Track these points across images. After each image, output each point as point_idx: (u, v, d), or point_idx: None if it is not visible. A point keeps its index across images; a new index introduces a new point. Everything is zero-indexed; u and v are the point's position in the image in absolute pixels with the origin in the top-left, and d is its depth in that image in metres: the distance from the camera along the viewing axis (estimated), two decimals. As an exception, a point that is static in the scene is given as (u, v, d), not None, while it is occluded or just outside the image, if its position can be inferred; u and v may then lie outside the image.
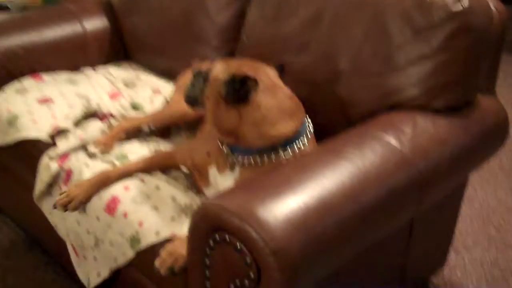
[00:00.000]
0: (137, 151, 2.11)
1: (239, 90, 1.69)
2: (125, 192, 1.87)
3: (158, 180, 1.92)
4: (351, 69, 2.03)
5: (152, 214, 1.79)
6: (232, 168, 1.82)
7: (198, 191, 1.94)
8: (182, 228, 1.75)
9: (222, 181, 1.85)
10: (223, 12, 2.52)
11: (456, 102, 1.90)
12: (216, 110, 1.75)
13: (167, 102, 2.43)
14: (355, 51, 2.02)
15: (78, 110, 2.22)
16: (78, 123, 2.22)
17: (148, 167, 1.97)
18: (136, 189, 1.87)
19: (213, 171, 1.87)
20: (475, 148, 1.92)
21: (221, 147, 1.83)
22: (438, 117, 1.87)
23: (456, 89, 1.88)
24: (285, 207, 1.45)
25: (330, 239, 1.48)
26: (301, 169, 1.59)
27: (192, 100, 1.87)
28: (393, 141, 1.73)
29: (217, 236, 1.46)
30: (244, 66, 1.78)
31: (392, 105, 1.93)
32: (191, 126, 2.27)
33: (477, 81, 1.94)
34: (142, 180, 1.91)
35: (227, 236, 1.44)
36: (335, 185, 1.55)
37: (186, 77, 2.37)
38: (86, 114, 2.24)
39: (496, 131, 2.01)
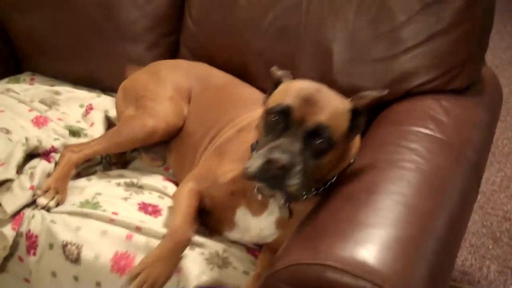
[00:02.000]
0: (109, 192, 1.67)
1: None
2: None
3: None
4: (348, 55, 1.77)
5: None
6: (270, 208, 1.50)
7: (212, 232, 1.59)
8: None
9: (256, 223, 1.52)
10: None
11: (473, 79, 1.74)
12: (337, 151, 1.38)
13: (110, 119, 1.98)
14: (349, 33, 1.75)
15: (16, 151, 1.67)
16: (18, 168, 1.68)
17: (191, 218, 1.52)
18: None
19: (242, 213, 1.53)
20: (494, 122, 1.78)
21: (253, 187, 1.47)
22: (460, 98, 1.70)
23: (473, 65, 1.72)
24: (384, 247, 1.18)
25: (434, 258, 1.24)
26: (365, 194, 1.32)
27: (282, 172, 1.26)
28: (439, 135, 1.52)
29: (314, 300, 1.16)
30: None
31: (404, 93, 1.71)
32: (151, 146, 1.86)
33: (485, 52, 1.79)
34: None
35: (332, 298, 1.14)
36: (412, 199, 1.31)
37: (131, 84, 1.94)
38: (25, 153, 1.70)
39: (499, 100, 1.89)
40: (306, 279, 1.16)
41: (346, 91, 1.69)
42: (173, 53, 2.12)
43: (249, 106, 1.72)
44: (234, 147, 1.57)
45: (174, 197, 1.60)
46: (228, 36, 1.95)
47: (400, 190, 1.32)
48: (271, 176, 1.26)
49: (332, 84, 1.73)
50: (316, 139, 1.30)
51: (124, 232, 1.52)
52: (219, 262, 1.48)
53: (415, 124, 1.56)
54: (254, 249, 1.59)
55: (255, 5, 1.90)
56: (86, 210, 1.58)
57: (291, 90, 1.34)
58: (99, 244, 1.51)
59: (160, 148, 1.86)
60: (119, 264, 1.47)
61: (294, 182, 1.26)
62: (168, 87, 1.87)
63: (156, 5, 2.08)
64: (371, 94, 1.39)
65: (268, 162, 1.24)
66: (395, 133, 1.51)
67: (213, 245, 1.52)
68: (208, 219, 1.59)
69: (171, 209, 1.61)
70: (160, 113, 1.79)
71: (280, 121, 1.30)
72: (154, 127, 1.77)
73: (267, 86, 1.86)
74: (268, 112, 1.33)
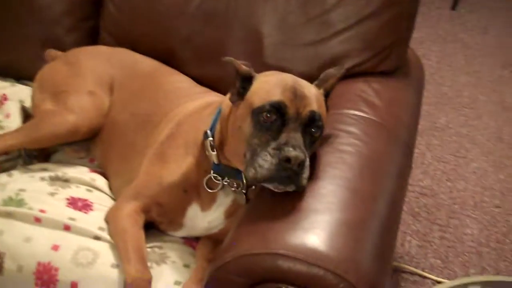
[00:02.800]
0: (34, 188, 1.56)
1: None
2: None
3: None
4: (279, 38, 1.75)
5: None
6: (219, 200, 1.47)
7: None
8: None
9: (205, 218, 1.49)
10: (73, -20, 1.97)
11: (402, 61, 1.77)
12: None
13: (27, 110, 1.85)
14: (280, 16, 1.74)
15: None
16: None
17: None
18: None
19: (193, 210, 1.48)
20: (420, 102, 1.83)
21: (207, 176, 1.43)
22: (389, 80, 1.74)
23: (401, 47, 1.75)
24: (332, 232, 1.18)
25: (379, 239, 1.26)
26: (309, 180, 1.31)
27: (300, 168, 1.24)
28: (373, 117, 1.54)
29: (263, 290, 1.15)
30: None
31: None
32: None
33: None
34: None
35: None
36: (354, 182, 1.32)
37: (49, 76, 1.82)
38: None
39: (423, 81, 1.94)
40: (257, 269, 1.15)
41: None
42: (93, 38, 2.01)
43: (181, 98, 1.67)
44: (177, 142, 1.51)
45: (112, 221, 1.47)
46: (152, 21, 1.87)
47: (342, 174, 1.32)
48: (289, 174, 1.23)
49: (263, 68, 1.72)
50: (312, 127, 1.31)
51: (50, 239, 1.41)
52: (157, 258, 1.43)
53: (349, 107, 1.57)
54: (191, 240, 1.55)
55: (180, -13, 1.84)
56: (10, 208, 1.47)
57: (274, 85, 1.33)
58: (22, 252, 1.40)
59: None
60: (42, 278, 1.37)
61: (306, 175, 1.26)
62: (89, 79, 1.77)
63: (74, -14, 1.97)
64: (334, 75, 1.44)
65: (287, 160, 1.21)
66: (332, 117, 1.51)
67: (147, 242, 1.45)
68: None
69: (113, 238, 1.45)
70: (81, 109, 1.70)
71: (277, 118, 1.28)
72: (76, 124, 1.68)
73: (195, 71, 1.84)
74: (258, 111, 1.29)
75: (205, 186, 1.43)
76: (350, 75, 1.72)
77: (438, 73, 3.83)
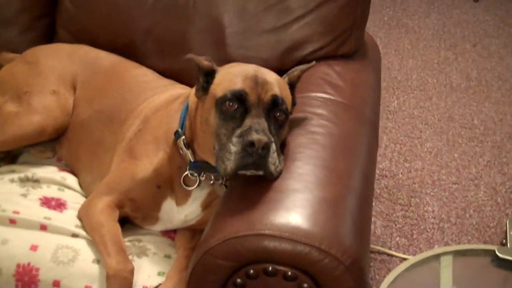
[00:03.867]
0: (4, 190, 1.54)
1: None
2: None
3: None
4: (240, 27, 1.77)
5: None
6: (194, 194, 1.47)
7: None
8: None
9: (180, 212, 1.49)
10: (25, -22, 1.92)
11: (360, 43, 1.81)
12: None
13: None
14: (240, 5, 1.75)
15: None
16: None
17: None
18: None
19: (167, 205, 1.47)
20: (379, 82, 1.88)
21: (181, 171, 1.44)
22: (350, 62, 1.78)
23: (359, 30, 1.79)
24: (314, 209, 1.21)
25: (358, 213, 1.29)
26: (285, 162, 1.34)
27: (265, 152, 1.24)
28: (339, 98, 1.58)
29: (251, 270, 1.17)
30: None
31: (298, 62, 1.75)
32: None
33: (367, 17, 1.87)
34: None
35: (270, 267, 1.16)
36: (329, 161, 1.36)
37: (9, 76, 1.78)
38: None
39: (380, 62, 1.99)
40: (244, 251, 1.16)
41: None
42: (49, 36, 1.97)
43: (146, 91, 1.66)
44: (146, 138, 1.50)
45: (86, 218, 1.46)
46: (111, 15, 1.85)
47: (317, 154, 1.35)
48: (255, 159, 1.23)
49: (226, 58, 1.75)
50: (276, 112, 1.32)
51: (27, 240, 1.39)
52: (137, 251, 1.43)
53: (315, 90, 1.60)
54: (169, 231, 1.55)
55: (138, -21, 1.82)
56: (-19, 212, 1.44)
57: (236, 75, 1.34)
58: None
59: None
60: (22, 280, 1.35)
61: (275, 159, 1.27)
62: (51, 78, 1.74)
63: (26, -16, 1.92)
64: (300, 67, 1.47)
65: (250, 145, 1.22)
66: (299, 101, 1.54)
67: (124, 236, 1.45)
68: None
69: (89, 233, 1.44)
70: (46, 109, 1.68)
71: (238, 106, 1.29)
72: (41, 125, 1.66)
73: (158, 64, 1.84)
74: (221, 101, 1.30)
75: (182, 184, 1.44)
76: (312, 59, 1.75)
77: (386, 58, 3.91)
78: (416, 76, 3.74)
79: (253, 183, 1.29)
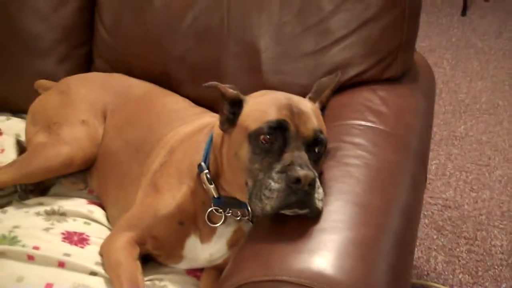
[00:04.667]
0: (28, 224, 1.48)
1: None
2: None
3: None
4: (277, 51, 1.66)
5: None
6: (219, 231, 1.37)
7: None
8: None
9: (205, 250, 1.39)
10: (62, 8, 1.90)
11: (407, 66, 1.67)
12: None
13: (23, 144, 1.78)
14: (276, 28, 1.65)
15: None
16: None
17: None
18: None
19: (191, 243, 1.38)
20: (431, 108, 1.73)
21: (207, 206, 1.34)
22: (396, 86, 1.64)
23: (406, 51, 1.65)
24: (340, 252, 1.08)
25: (394, 257, 1.14)
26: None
27: (311, 188, 1.13)
28: (381, 126, 1.44)
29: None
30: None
31: (338, 87, 1.61)
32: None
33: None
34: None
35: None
36: (363, 197, 1.22)
37: (41, 106, 1.75)
38: None
39: (433, 85, 1.84)
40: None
41: (278, 89, 1.60)
42: (87, 66, 1.95)
43: (175, 121, 1.58)
44: (170, 171, 1.41)
45: (106, 254, 1.39)
46: (144, 42, 1.80)
47: (350, 189, 1.22)
48: (300, 197, 1.12)
49: (262, 84, 1.65)
50: (316, 146, 1.21)
51: (43, 278, 1.31)
52: (156, 293, 1.34)
53: (355, 117, 1.47)
54: (195, 270, 1.45)
55: (171, 6, 1.76)
56: (2, 247, 1.38)
57: (268, 104, 1.23)
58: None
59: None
60: None
61: (320, 196, 1.15)
62: (81, 107, 1.70)
63: (63, 15, 1.90)
64: (328, 85, 1.35)
65: (296, 181, 1.11)
66: (336, 129, 1.42)
67: (146, 274, 1.36)
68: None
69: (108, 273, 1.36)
70: (75, 140, 1.63)
71: (278, 138, 1.18)
72: (70, 156, 1.60)
73: (192, 91, 1.76)
74: (256, 135, 1.19)
75: (207, 221, 1.33)
76: (354, 84, 1.63)
77: (452, 80, 3.71)
78: (486, 99, 3.51)
79: (277, 222, 1.17)
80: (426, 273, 2.26)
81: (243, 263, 1.10)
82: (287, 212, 1.15)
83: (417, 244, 2.38)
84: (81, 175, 1.71)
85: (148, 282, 1.36)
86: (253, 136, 1.20)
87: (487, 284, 2.20)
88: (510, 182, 2.79)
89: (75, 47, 1.95)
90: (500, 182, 2.79)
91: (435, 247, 2.38)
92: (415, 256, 2.32)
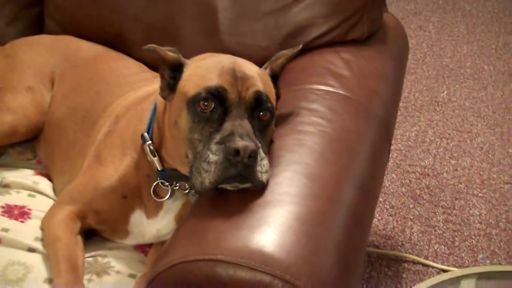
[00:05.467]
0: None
1: None
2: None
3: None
4: (235, 11, 1.55)
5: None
6: (166, 206, 1.27)
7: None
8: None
9: (152, 225, 1.30)
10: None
11: (375, 27, 1.57)
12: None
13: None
14: (234, -15, 1.54)
15: None
16: None
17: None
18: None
19: (136, 218, 1.28)
20: (401, 73, 1.63)
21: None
22: (362, 48, 1.53)
23: (374, 11, 1.54)
24: (284, 229, 0.99)
25: (344, 234, 1.06)
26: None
27: (252, 160, 1.04)
28: (341, 91, 1.34)
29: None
30: None
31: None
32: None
33: (385, -4, 1.62)
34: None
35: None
36: (315, 168, 1.12)
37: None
38: None
39: (405, 49, 1.73)
40: (193, 279, 0.95)
41: (236, 52, 1.50)
42: (38, 28, 1.82)
43: (123, 87, 1.48)
44: (113, 142, 1.32)
45: (45, 229, 1.30)
46: (97, 2, 1.68)
47: (300, 159, 1.13)
48: (240, 170, 1.03)
49: (219, 45, 1.55)
50: (259, 111, 1.11)
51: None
52: (98, 269, 1.25)
53: (314, 81, 1.37)
54: (144, 245, 1.37)
55: (125, -37, 1.64)
56: None
57: (209, 69, 1.13)
58: None
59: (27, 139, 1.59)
60: None
61: (264, 166, 1.06)
62: (27, 73, 1.59)
63: (11, -27, 1.78)
64: (285, 54, 1.24)
65: (235, 153, 1.02)
66: (292, 94, 1.32)
67: (89, 250, 1.28)
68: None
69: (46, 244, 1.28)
70: (19, 107, 1.53)
71: (216, 106, 1.09)
72: (13, 124, 1.51)
73: (147, 55, 1.62)
74: (194, 101, 1.09)
75: (152, 195, 1.24)
76: (317, 46, 1.52)
77: (437, 44, 3.60)
78: (471, 64, 3.41)
79: (219, 195, 1.08)
80: (400, 243, 2.19)
81: (178, 241, 1.02)
82: (227, 186, 1.06)
83: (393, 213, 2.31)
84: (29, 145, 1.61)
85: (90, 259, 1.27)
86: (191, 103, 1.10)
87: (463, 254, 2.13)
88: (491, 149, 2.71)
89: (24, 8, 1.82)
90: (481, 149, 2.71)
91: (411, 217, 2.30)
92: (390, 226, 2.25)
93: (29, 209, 1.38)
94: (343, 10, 1.50)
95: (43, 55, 1.62)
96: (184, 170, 1.15)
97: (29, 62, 1.61)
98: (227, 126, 1.06)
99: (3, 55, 1.65)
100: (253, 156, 1.03)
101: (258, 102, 1.11)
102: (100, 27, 1.70)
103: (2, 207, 1.37)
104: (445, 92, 3.14)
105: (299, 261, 0.94)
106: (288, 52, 1.24)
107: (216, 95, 1.09)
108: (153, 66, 1.62)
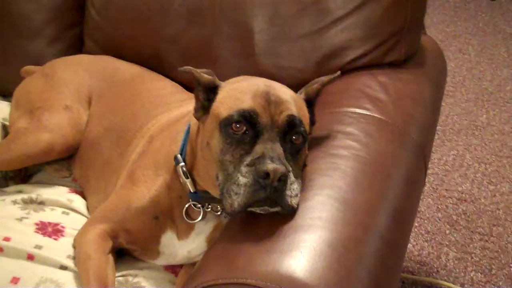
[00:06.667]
0: (2, 213, 1.41)
1: None
2: None
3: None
4: (271, 33, 1.55)
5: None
6: (198, 228, 1.27)
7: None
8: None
9: (183, 247, 1.29)
10: (53, -13, 1.82)
11: (412, 50, 1.55)
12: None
13: (9, 130, 1.71)
14: (270, 8, 1.54)
15: None
16: None
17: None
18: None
19: (167, 239, 1.28)
20: (438, 96, 1.60)
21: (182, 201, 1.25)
22: (399, 71, 1.51)
23: (411, 33, 1.52)
24: (315, 254, 0.97)
25: (376, 260, 1.03)
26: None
27: (282, 184, 1.03)
28: (377, 114, 1.32)
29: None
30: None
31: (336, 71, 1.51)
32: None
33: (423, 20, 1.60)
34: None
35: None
36: (348, 193, 1.10)
37: (24, 90, 1.68)
38: None
39: (443, 72, 1.71)
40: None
41: (272, 74, 1.51)
42: (77, 48, 1.87)
43: (158, 107, 1.49)
44: (147, 162, 1.32)
45: (77, 247, 1.31)
46: (135, 23, 1.71)
47: (333, 183, 1.11)
48: (269, 193, 1.02)
49: (255, 67, 1.55)
50: (292, 135, 1.10)
51: (9, 271, 1.24)
52: (128, 289, 1.25)
53: (349, 104, 1.36)
54: (174, 265, 1.36)
55: (162, -15, 1.66)
56: (-30, 239, 1.32)
57: (243, 91, 1.13)
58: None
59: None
60: None
61: (294, 191, 1.05)
62: (65, 92, 1.61)
63: (55, -6, 1.83)
64: (321, 79, 1.23)
65: (264, 176, 1.01)
66: (327, 116, 1.31)
67: (120, 269, 1.28)
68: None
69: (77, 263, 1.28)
70: (57, 126, 1.54)
71: (248, 129, 1.08)
72: (50, 143, 1.52)
73: (184, 76, 1.65)
74: (226, 123, 1.09)
75: (184, 217, 1.24)
76: (353, 68, 1.51)
77: (477, 67, 3.55)
78: (511, 88, 3.35)
79: (250, 219, 1.07)
80: (436, 270, 2.14)
81: (208, 264, 1.01)
82: (257, 210, 1.05)
83: (428, 239, 2.26)
84: (65, 162, 1.63)
85: (120, 278, 1.28)
86: (223, 125, 1.10)
87: (500, 283, 2.07)
88: (532, 175, 2.64)
89: (65, 28, 1.87)
90: (521, 175, 2.65)
91: (447, 243, 2.25)
92: (425, 252, 2.20)
93: (63, 227, 1.40)
94: (380, 33, 1.49)
95: (81, 75, 1.65)
96: (215, 192, 1.14)
97: (67, 81, 1.63)
98: (258, 148, 1.06)
99: (42, 74, 1.68)
100: (283, 179, 1.02)
101: (291, 126, 1.10)
102: (138, 47, 1.72)
103: (36, 224, 1.39)
104: (484, 116, 3.09)
105: (328, 287, 0.92)
106: (324, 78, 1.23)
107: (248, 118, 1.08)
108: (189, 87, 1.63)
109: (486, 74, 3.49)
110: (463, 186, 2.56)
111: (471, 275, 2.11)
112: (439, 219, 2.37)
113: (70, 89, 1.62)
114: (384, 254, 1.04)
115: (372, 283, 0.97)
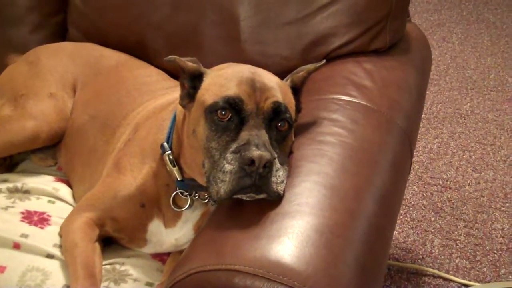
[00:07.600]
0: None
1: None
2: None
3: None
4: (257, 20, 1.55)
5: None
6: (185, 216, 1.27)
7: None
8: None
9: (170, 235, 1.29)
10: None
11: (397, 37, 1.55)
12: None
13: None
14: (256, -5, 1.54)
15: None
16: None
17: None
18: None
19: (154, 227, 1.28)
20: (424, 83, 1.61)
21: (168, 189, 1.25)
22: (384, 58, 1.52)
23: (396, 20, 1.53)
24: (303, 240, 0.97)
25: (364, 246, 1.04)
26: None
27: (267, 170, 1.04)
28: (363, 101, 1.33)
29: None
30: None
31: (322, 58, 1.50)
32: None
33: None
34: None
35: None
36: (335, 179, 1.11)
37: (8, 78, 1.66)
38: None
39: (428, 59, 1.72)
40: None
41: (257, 61, 1.50)
42: (61, 35, 1.84)
43: (144, 95, 1.48)
44: (133, 150, 1.32)
45: (63, 235, 1.30)
46: (120, 10, 1.69)
47: (320, 169, 1.11)
48: (255, 180, 1.02)
49: (241, 53, 1.55)
50: (277, 122, 1.11)
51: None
52: (116, 276, 1.24)
53: (335, 91, 1.36)
54: (162, 253, 1.36)
55: (148, -29, 1.65)
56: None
57: (228, 78, 1.13)
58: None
59: (49, 146, 1.60)
60: None
61: (280, 177, 1.06)
62: (49, 79, 1.60)
63: (38, -20, 1.80)
64: (307, 67, 1.23)
65: (249, 163, 1.01)
66: (313, 104, 1.31)
67: (107, 258, 1.28)
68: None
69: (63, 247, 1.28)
70: (41, 113, 1.53)
71: (233, 116, 1.08)
72: (35, 131, 1.51)
73: (169, 63, 1.64)
74: (211, 110, 1.09)
75: (172, 205, 1.24)
76: (339, 56, 1.51)
77: (461, 56, 3.57)
78: (494, 76, 3.37)
79: (237, 205, 1.07)
80: (421, 257, 2.16)
81: (196, 251, 1.01)
82: (243, 197, 1.05)
83: (413, 226, 2.28)
84: (50, 151, 1.62)
85: (107, 266, 1.27)
86: (208, 112, 1.10)
87: (485, 269, 2.10)
88: (515, 162, 2.67)
89: (48, 15, 1.84)
90: (504, 162, 2.67)
91: (432, 230, 2.27)
92: (411, 239, 2.22)
93: (49, 216, 1.39)
94: (365, 19, 1.49)
95: (66, 62, 1.64)
96: (201, 180, 1.14)
97: (52, 69, 1.62)
98: (244, 135, 1.06)
99: (26, 61, 1.66)
100: (268, 166, 1.02)
101: (276, 112, 1.10)
102: (123, 35, 1.71)
103: (22, 213, 1.38)
104: (468, 104, 3.11)
105: (317, 273, 0.92)
106: (310, 66, 1.24)
107: (233, 105, 1.08)
108: (174, 75, 1.62)
109: (470, 62, 3.51)
110: (447, 174, 2.58)
111: (456, 261, 2.13)
112: (424, 207, 2.38)
113: (54, 76, 1.60)
114: (371, 240, 1.05)
115: (359, 268, 0.98)
